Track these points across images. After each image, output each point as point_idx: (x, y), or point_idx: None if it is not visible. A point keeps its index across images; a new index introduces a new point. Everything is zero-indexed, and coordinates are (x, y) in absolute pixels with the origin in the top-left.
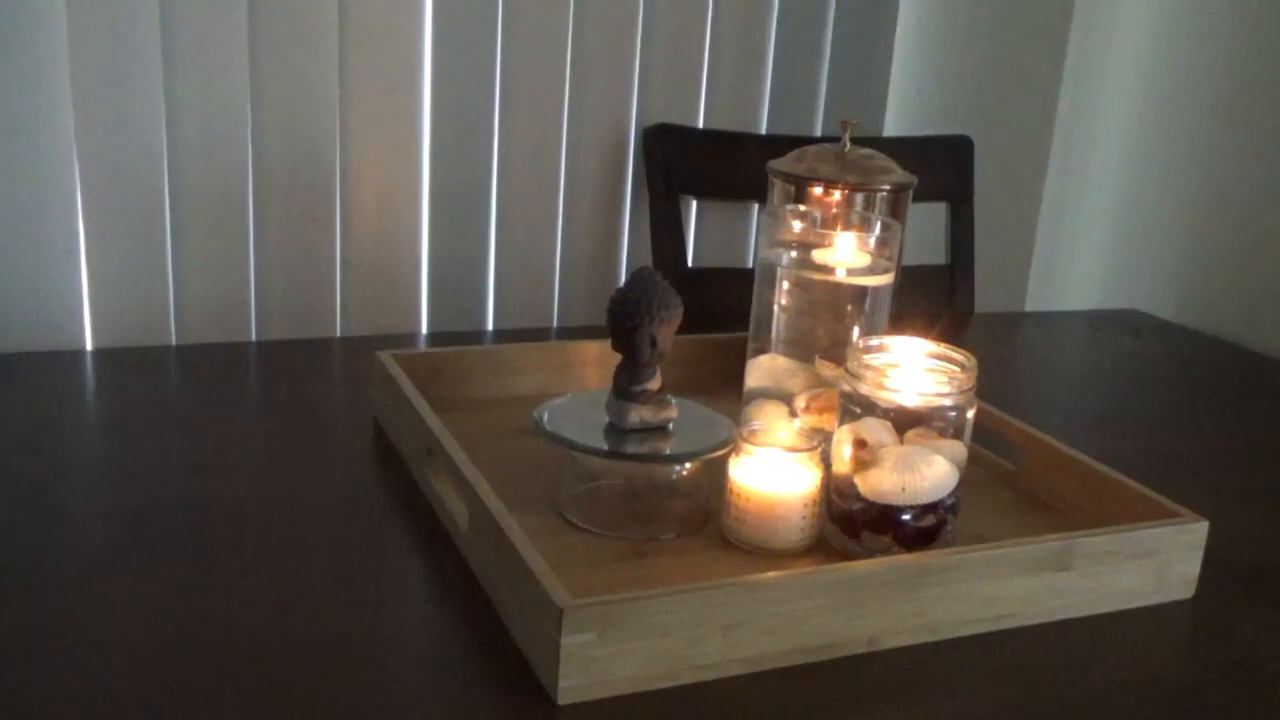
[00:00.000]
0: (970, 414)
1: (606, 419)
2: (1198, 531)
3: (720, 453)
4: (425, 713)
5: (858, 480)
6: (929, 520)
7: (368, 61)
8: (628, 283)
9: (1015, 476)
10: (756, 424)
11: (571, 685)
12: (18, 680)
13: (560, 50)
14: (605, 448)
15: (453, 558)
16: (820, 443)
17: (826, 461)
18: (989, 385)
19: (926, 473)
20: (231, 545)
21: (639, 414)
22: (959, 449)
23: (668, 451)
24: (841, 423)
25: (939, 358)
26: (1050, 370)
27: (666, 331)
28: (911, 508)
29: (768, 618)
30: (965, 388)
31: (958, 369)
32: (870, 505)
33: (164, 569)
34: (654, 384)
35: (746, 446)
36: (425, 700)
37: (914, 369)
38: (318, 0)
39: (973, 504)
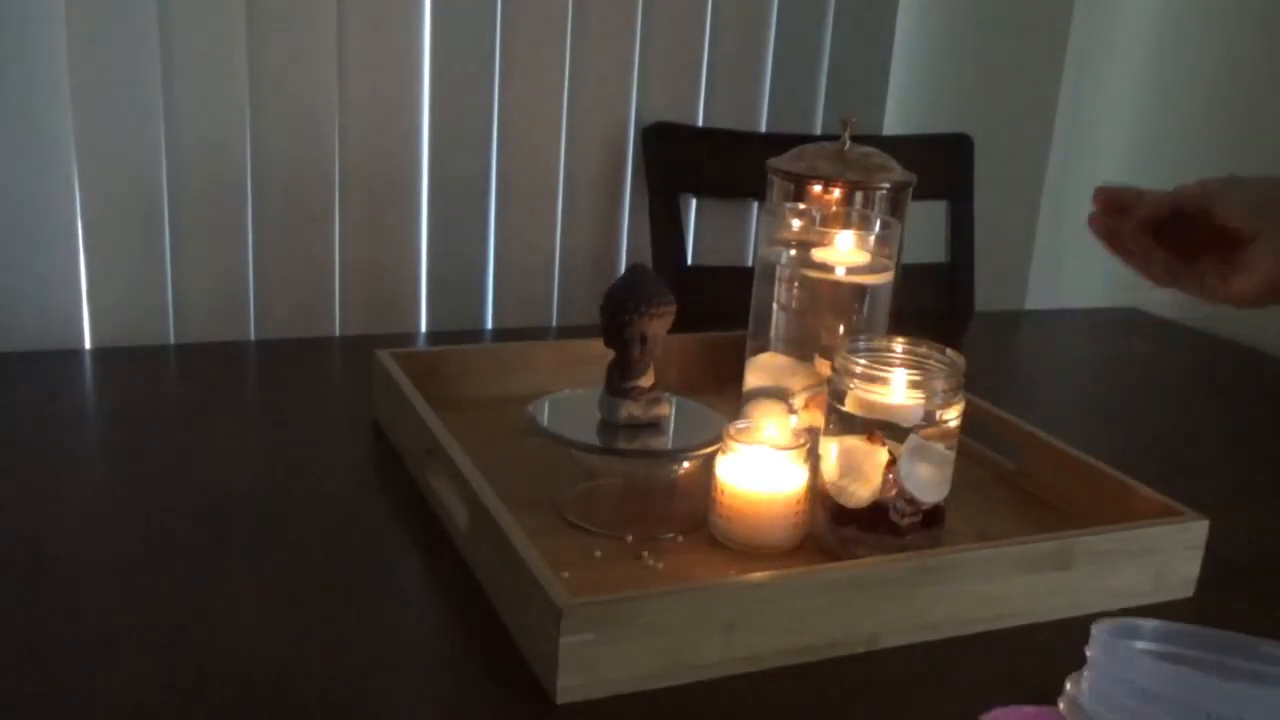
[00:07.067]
0: (958, 410)
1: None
2: (1198, 531)
3: (709, 450)
4: (424, 712)
5: (849, 482)
6: (928, 520)
7: (367, 60)
8: (619, 279)
9: (1015, 476)
10: (743, 422)
11: (571, 685)
12: (17, 677)
13: (559, 48)
14: (596, 443)
15: (453, 558)
16: (806, 440)
17: (816, 459)
18: (989, 385)
19: (922, 472)
20: (230, 544)
21: (629, 410)
22: (952, 447)
23: (661, 449)
24: (828, 421)
25: (927, 356)
26: (1050, 370)
27: (657, 328)
28: (910, 507)
29: (768, 617)
30: (953, 386)
31: (945, 367)
32: (867, 505)
33: (162, 568)
34: (646, 380)
35: (732, 444)
36: (425, 700)
37: (901, 368)
38: None
39: (973, 504)
